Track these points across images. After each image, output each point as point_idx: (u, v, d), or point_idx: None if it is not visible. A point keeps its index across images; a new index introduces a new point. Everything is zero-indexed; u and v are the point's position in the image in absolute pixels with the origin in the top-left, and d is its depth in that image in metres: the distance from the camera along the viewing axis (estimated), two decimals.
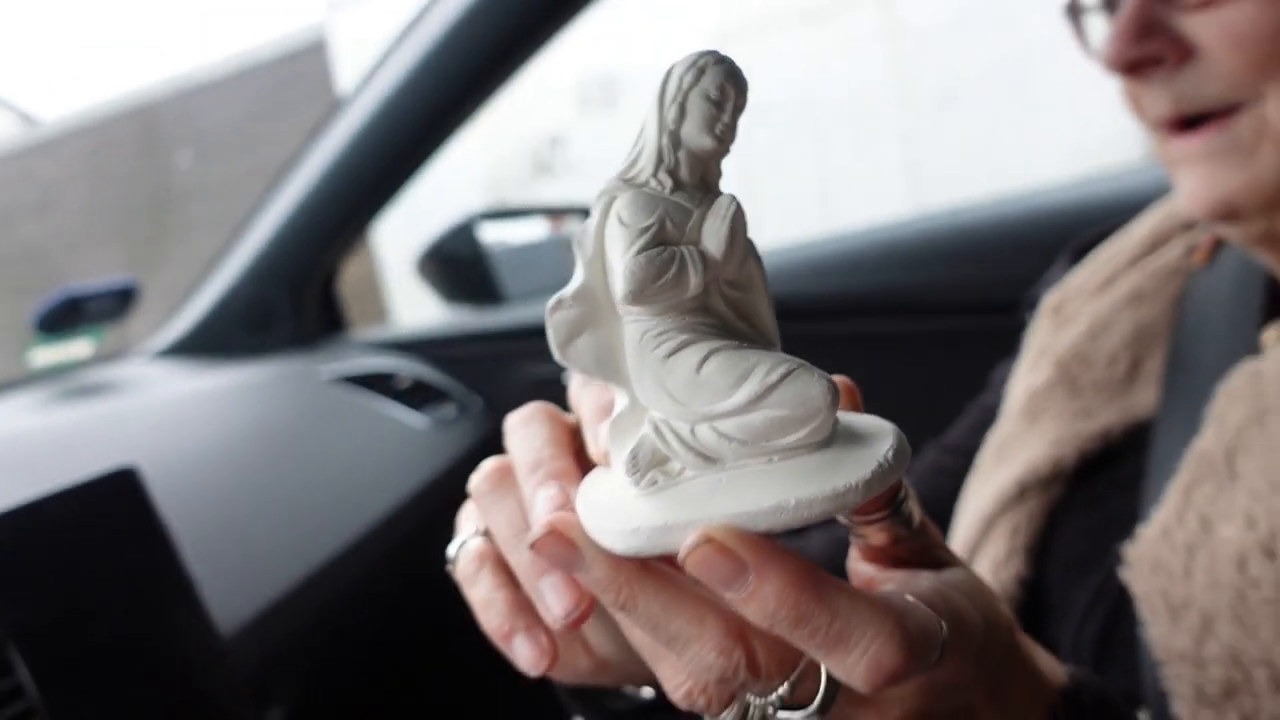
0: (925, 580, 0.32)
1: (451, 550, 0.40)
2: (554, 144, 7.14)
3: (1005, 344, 0.75)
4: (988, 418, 0.71)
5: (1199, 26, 0.48)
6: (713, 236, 0.28)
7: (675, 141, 0.29)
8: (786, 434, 0.28)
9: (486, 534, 0.39)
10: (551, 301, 0.29)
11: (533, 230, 1.83)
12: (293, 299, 1.32)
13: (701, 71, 0.28)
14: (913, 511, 0.33)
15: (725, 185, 0.31)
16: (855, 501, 0.27)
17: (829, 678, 0.30)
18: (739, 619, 0.29)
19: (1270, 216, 0.51)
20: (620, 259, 0.28)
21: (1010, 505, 0.62)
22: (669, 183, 0.29)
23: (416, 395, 1.22)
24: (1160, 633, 0.47)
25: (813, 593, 0.27)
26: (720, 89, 0.28)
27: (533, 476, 0.34)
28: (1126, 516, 0.55)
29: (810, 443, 0.28)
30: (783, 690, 0.30)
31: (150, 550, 0.60)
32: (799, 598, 0.27)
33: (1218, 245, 0.63)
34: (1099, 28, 0.57)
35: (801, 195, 7.00)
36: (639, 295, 0.28)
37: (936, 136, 6.72)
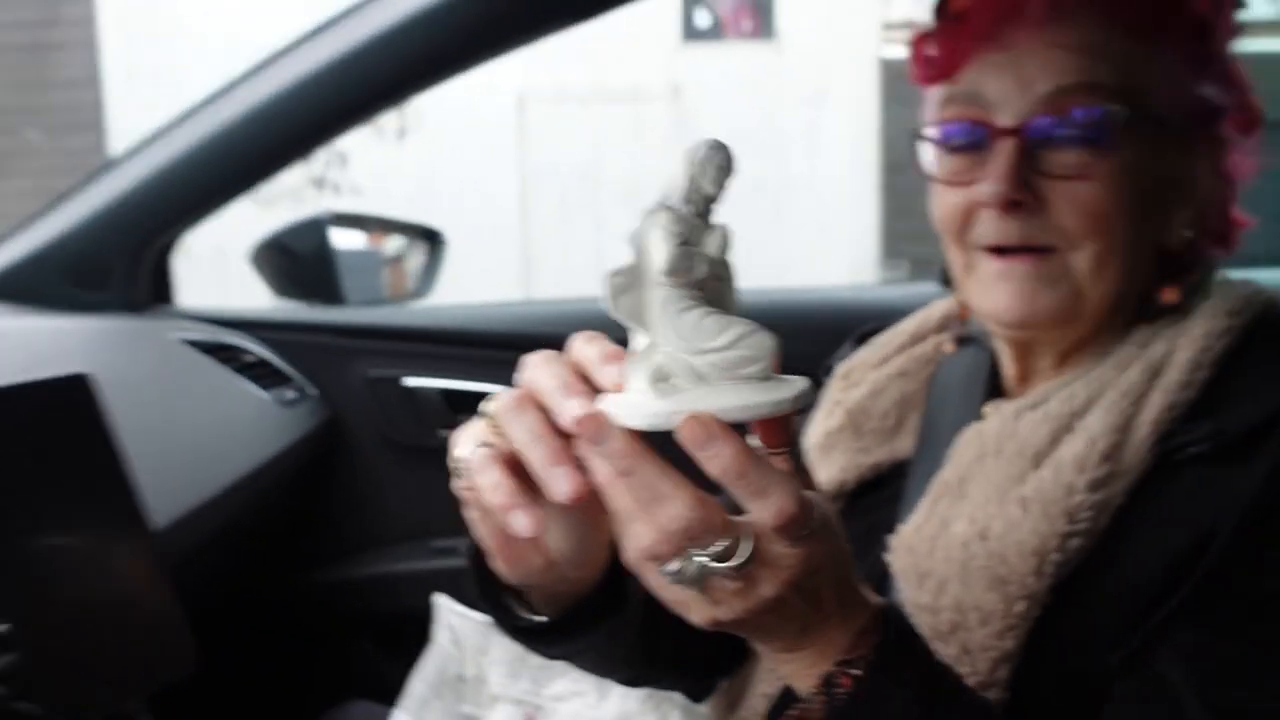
0: (808, 490, 0.51)
1: (464, 453, 0.54)
2: (340, 162, 7.01)
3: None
4: None
5: (1052, 189, 0.68)
6: (713, 246, 0.48)
7: (697, 188, 0.48)
8: (748, 367, 0.47)
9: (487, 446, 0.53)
10: (611, 269, 0.48)
11: (354, 241, 1.90)
12: (132, 260, 1.32)
13: (717, 149, 0.48)
14: (803, 453, 0.52)
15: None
16: (786, 409, 0.48)
17: (752, 544, 0.48)
18: (699, 492, 0.47)
19: (1044, 333, 0.72)
20: (661, 250, 0.46)
21: None
22: (691, 211, 0.48)
23: (258, 372, 1.27)
24: (910, 594, 0.69)
25: (750, 459, 0.47)
26: (727, 161, 0.48)
27: (562, 391, 0.49)
28: (887, 524, 0.78)
29: (760, 375, 0.48)
30: (721, 546, 0.47)
31: (100, 452, 0.67)
32: (744, 460, 0.46)
33: (961, 341, 0.88)
34: (929, 153, 0.79)
35: (580, 263, 7.34)
36: (671, 273, 0.47)
37: None
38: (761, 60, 7.54)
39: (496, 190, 7.31)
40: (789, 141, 7.29)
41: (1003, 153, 0.68)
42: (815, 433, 0.90)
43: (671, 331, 0.47)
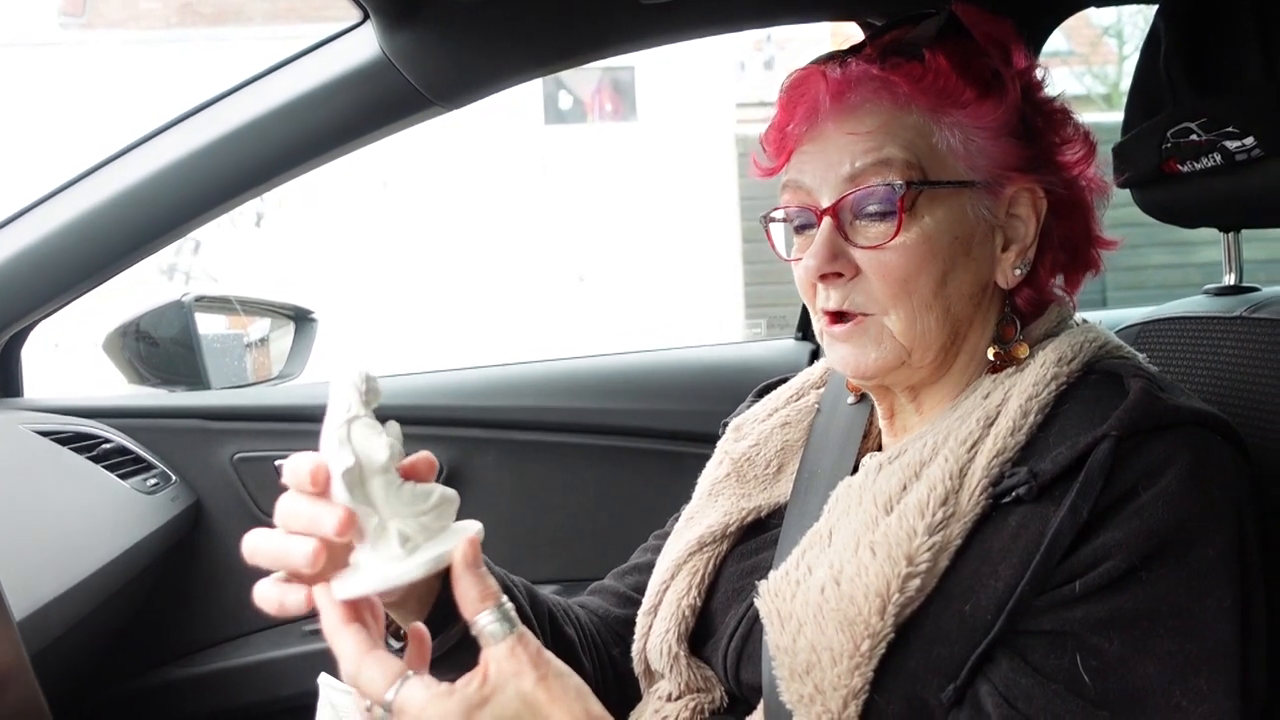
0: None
1: None
2: (192, 249, 6.77)
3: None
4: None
5: (864, 258, 0.76)
6: (393, 434, 0.61)
7: (366, 400, 0.60)
8: (450, 510, 0.63)
9: None
10: (342, 474, 0.58)
11: (215, 325, 1.85)
12: None
13: (366, 374, 0.60)
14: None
15: None
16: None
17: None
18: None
19: (885, 378, 0.79)
20: (380, 449, 0.60)
21: (693, 555, 0.86)
22: (371, 414, 0.61)
23: (116, 460, 1.21)
24: (774, 635, 0.73)
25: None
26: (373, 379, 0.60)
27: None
28: (765, 566, 0.81)
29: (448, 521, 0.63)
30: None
31: None
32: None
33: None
34: (779, 233, 0.85)
35: (464, 334, 7.36)
36: (392, 462, 0.61)
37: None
38: (623, 139, 7.81)
39: (368, 267, 7.28)
40: (655, 214, 7.53)
41: (821, 231, 0.76)
42: (704, 481, 0.93)
43: (398, 504, 0.59)
